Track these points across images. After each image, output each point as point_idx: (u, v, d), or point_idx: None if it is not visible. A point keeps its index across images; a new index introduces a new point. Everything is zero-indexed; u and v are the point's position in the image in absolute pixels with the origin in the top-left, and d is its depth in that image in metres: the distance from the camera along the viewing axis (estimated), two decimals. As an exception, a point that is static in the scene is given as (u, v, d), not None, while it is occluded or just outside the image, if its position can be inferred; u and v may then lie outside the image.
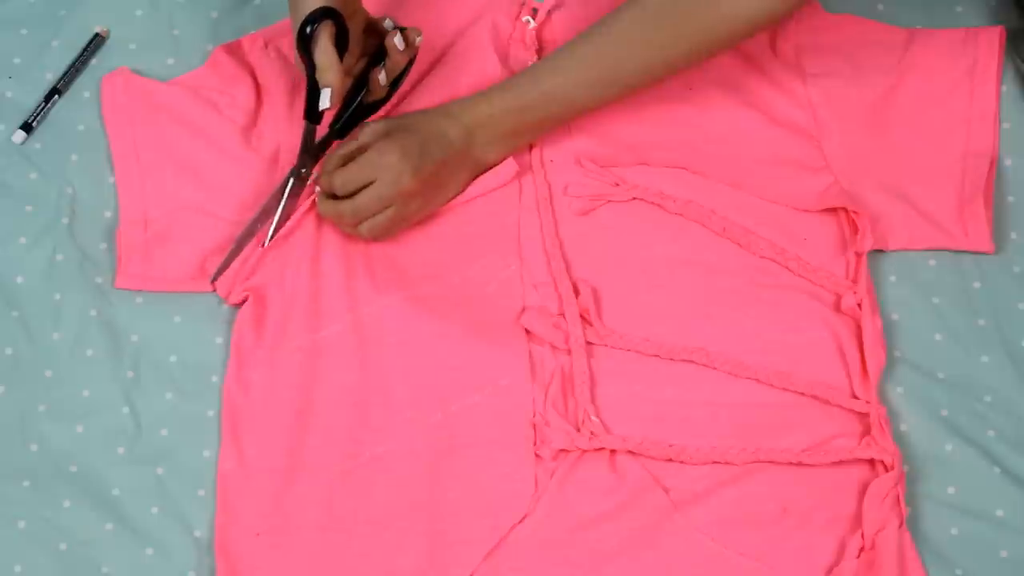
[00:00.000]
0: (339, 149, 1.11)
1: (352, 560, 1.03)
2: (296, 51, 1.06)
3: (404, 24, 1.13)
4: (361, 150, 1.09)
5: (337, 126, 1.12)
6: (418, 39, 1.12)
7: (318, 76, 1.06)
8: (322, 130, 1.13)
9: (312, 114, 1.08)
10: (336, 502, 1.05)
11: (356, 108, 1.12)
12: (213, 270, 1.13)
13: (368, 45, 1.13)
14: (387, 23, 1.13)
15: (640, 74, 1.10)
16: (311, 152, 1.12)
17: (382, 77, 1.11)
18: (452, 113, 1.11)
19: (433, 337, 1.09)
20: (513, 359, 1.08)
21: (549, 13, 1.22)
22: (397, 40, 1.10)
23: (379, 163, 1.07)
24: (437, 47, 1.21)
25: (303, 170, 1.12)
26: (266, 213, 1.13)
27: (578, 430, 1.06)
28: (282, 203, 1.12)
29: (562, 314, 1.10)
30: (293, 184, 1.12)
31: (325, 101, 1.05)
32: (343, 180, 1.08)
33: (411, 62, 1.14)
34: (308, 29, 1.04)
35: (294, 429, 1.07)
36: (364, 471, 1.06)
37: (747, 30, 1.07)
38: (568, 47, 1.11)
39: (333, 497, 1.05)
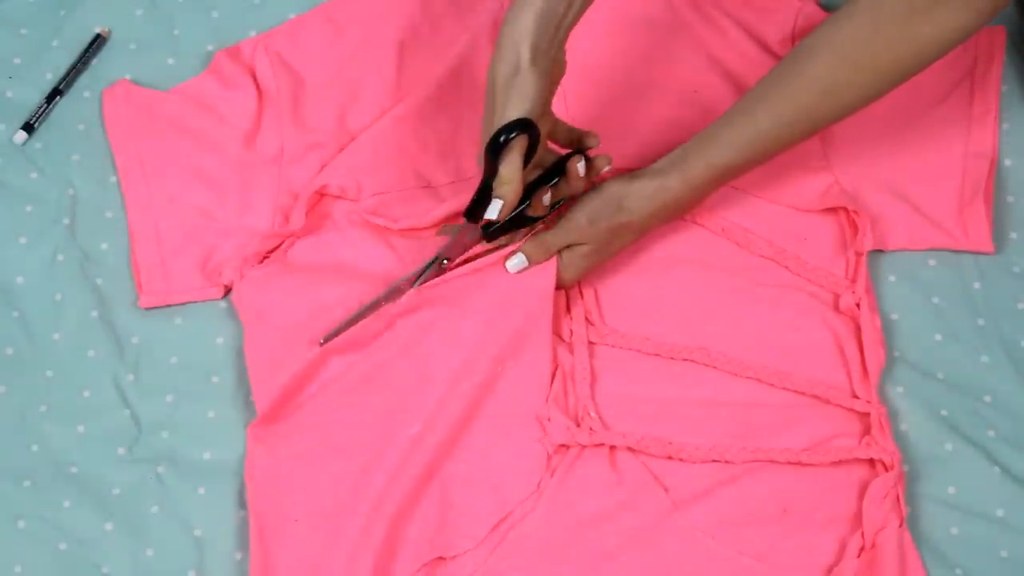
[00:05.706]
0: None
1: (371, 532, 1.03)
2: (484, 152, 1.02)
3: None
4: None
5: (490, 229, 1.07)
6: (606, 167, 1.08)
7: (496, 186, 1.02)
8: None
9: (474, 215, 1.04)
10: (368, 483, 1.04)
11: (514, 218, 1.06)
12: (218, 272, 1.13)
13: (546, 158, 1.08)
14: (591, 140, 1.09)
15: (834, 118, 1.05)
16: (459, 247, 1.09)
17: (547, 199, 1.07)
18: (631, 209, 1.08)
19: (460, 318, 1.09)
20: (537, 333, 1.08)
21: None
22: (580, 166, 1.06)
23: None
24: (438, 48, 1.21)
25: (445, 261, 1.09)
26: (397, 291, 1.10)
27: (578, 425, 1.06)
28: (416, 284, 1.09)
29: (568, 312, 1.11)
30: (430, 271, 1.10)
31: (493, 213, 1.02)
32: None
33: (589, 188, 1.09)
34: (502, 138, 1.01)
35: (326, 415, 1.07)
36: (396, 451, 1.05)
37: (947, 51, 1.01)
38: (743, 113, 1.05)
39: (366, 478, 1.04)
